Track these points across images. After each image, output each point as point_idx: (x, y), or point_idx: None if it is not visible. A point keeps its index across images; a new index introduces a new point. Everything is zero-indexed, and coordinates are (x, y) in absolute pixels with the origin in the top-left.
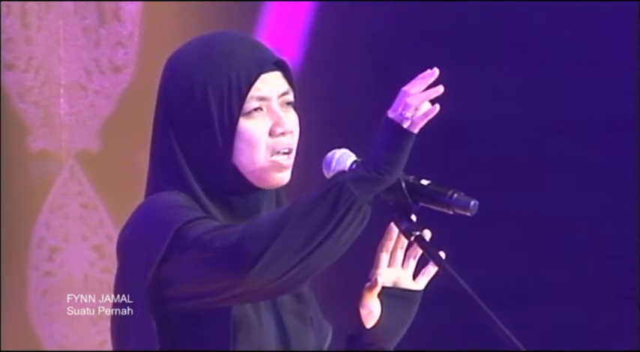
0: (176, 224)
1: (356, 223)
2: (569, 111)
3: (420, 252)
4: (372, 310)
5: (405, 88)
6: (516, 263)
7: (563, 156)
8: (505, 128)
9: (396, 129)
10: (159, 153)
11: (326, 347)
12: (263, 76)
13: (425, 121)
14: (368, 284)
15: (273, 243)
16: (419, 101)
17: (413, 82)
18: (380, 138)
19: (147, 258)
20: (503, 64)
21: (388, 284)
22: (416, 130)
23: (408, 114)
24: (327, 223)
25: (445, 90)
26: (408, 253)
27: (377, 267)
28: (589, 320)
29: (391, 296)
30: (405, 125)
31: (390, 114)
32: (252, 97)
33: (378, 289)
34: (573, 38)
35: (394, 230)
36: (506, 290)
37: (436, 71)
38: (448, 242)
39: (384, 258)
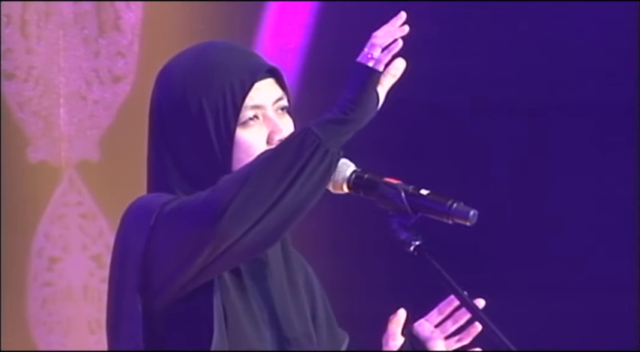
0: (156, 209)
1: (323, 168)
2: (568, 108)
3: (466, 341)
4: (390, 342)
5: (374, 33)
6: (516, 257)
7: (563, 152)
8: (503, 122)
9: (361, 69)
10: (154, 167)
11: None
12: (257, 85)
13: (389, 57)
14: (393, 315)
15: (240, 192)
16: (384, 40)
17: (383, 26)
18: (347, 81)
19: (134, 247)
20: (503, 61)
21: (422, 337)
22: (380, 67)
23: (375, 54)
24: (292, 168)
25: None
26: (459, 336)
27: (424, 317)
28: (588, 314)
29: (413, 347)
30: (370, 64)
31: (358, 58)
32: (247, 107)
33: (397, 323)
34: (573, 33)
35: (453, 304)
36: (505, 286)
37: (403, 14)
38: (449, 235)
39: (435, 316)
